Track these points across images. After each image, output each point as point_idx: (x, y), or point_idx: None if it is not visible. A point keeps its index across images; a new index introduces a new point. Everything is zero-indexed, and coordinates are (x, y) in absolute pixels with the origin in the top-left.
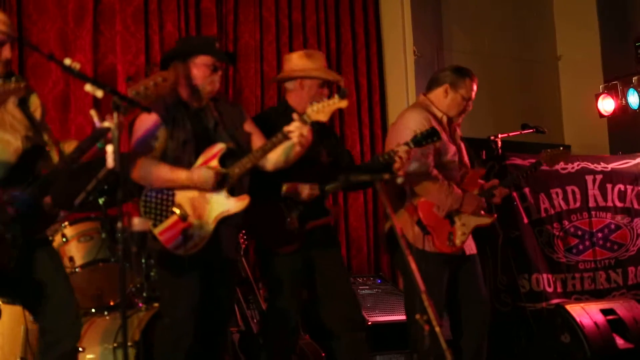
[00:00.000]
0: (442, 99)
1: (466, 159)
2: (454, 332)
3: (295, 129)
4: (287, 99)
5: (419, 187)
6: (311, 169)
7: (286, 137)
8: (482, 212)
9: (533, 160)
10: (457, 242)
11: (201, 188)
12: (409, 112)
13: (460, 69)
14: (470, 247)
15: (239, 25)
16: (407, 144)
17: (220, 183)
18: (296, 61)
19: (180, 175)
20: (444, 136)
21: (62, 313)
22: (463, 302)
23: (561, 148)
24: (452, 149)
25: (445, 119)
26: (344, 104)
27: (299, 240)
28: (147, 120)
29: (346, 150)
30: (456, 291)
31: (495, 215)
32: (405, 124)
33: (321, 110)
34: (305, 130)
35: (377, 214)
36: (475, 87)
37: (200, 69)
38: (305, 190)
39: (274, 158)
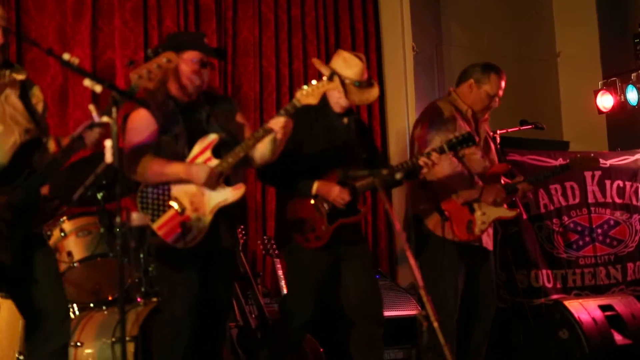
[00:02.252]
0: (467, 94)
1: (492, 154)
2: (462, 325)
3: (278, 120)
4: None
5: (440, 174)
6: (347, 166)
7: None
8: (505, 205)
9: (533, 157)
10: (477, 230)
11: (194, 183)
12: (434, 103)
13: (488, 65)
14: (488, 242)
15: (238, 21)
16: (441, 148)
17: (214, 183)
18: (335, 60)
19: (177, 168)
20: (467, 129)
21: (51, 312)
22: (476, 299)
23: (592, 155)
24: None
25: (470, 113)
26: (332, 85)
27: (327, 236)
28: (140, 118)
29: (379, 153)
30: (471, 286)
31: (519, 210)
32: (427, 113)
33: (310, 93)
34: (288, 120)
35: (376, 210)
36: (502, 84)
37: (188, 64)
38: (334, 192)
39: (261, 150)
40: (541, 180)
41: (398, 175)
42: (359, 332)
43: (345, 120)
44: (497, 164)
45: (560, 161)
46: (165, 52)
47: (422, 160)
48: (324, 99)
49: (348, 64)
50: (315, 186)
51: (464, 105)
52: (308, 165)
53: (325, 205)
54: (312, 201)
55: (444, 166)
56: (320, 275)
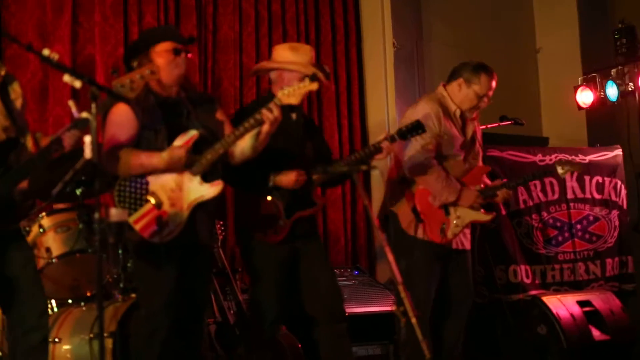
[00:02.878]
0: (456, 92)
1: (477, 155)
2: (435, 321)
3: (269, 113)
4: (272, 90)
5: (418, 176)
6: (298, 163)
7: (258, 122)
8: (482, 209)
9: (513, 152)
10: (449, 234)
11: (175, 168)
12: (422, 102)
13: (479, 65)
14: (462, 243)
15: (218, 16)
16: (392, 137)
17: (190, 162)
18: (280, 52)
19: (158, 158)
20: (452, 129)
21: (29, 306)
22: (450, 295)
23: (577, 160)
24: (459, 141)
25: (458, 112)
26: (314, 86)
27: (285, 230)
28: (120, 113)
29: (328, 148)
30: (445, 284)
31: (495, 214)
32: (415, 114)
33: (292, 94)
34: (278, 114)
35: (355, 205)
36: (493, 84)
37: (162, 55)
38: (291, 176)
39: (242, 146)
40: (521, 184)
41: (375, 172)
42: (322, 329)
43: (294, 115)
44: (478, 166)
45: (539, 157)
46: (149, 63)
47: (384, 147)
48: (271, 94)
49: (301, 52)
50: (273, 178)
51: (452, 104)
52: (263, 162)
53: (282, 200)
54: (269, 197)
55: (409, 161)
56: (282, 268)
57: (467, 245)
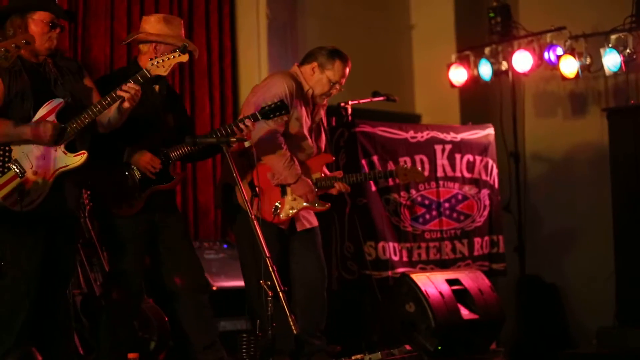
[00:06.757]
0: (309, 75)
1: (321, 141)
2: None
3: (132, 87)
4: (139, 61)
5: (262, 150)
6: (157, 134)
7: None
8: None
9: (385, 128)
10: (282, 215)
11: (40, 142)
12: (276, 76)
13: (334, 51)
14: (309, 221)
15: None
16: (254, 116)
17: (59, 137)
18: (154, 25)
19: (23, 129)
20: (303, 111)
21: None
22: (297, 274)
23: (419, 169)
24: (308, 124)
25: (310, 93)
26: (184, 58)
27: (140, 203)
28: None
29: (190, 119)
30: (290, 262)
31: (329, 205)
32: (268, 87)
33: (161, 65)
34: (137, 90)
35: None
36: (346, 72)
37: (38, 25)
38: (144, 159)
39: (109, 115)
40: (360, 181)
41: (247, 144)
42: (184, 300)
43: (157, 87)
44: (323, 154)
45: (411, 134)
46: (21, 30)
47: (240, 127)
48: (137, 64)
49: (175, 24)
50: (127, 153)
51: (306, 84)
52: (122, 132)
53: (137, 173)
54: (124, 169)
55: (256, 135)
56: (139, 241)
57: (314, 222)
